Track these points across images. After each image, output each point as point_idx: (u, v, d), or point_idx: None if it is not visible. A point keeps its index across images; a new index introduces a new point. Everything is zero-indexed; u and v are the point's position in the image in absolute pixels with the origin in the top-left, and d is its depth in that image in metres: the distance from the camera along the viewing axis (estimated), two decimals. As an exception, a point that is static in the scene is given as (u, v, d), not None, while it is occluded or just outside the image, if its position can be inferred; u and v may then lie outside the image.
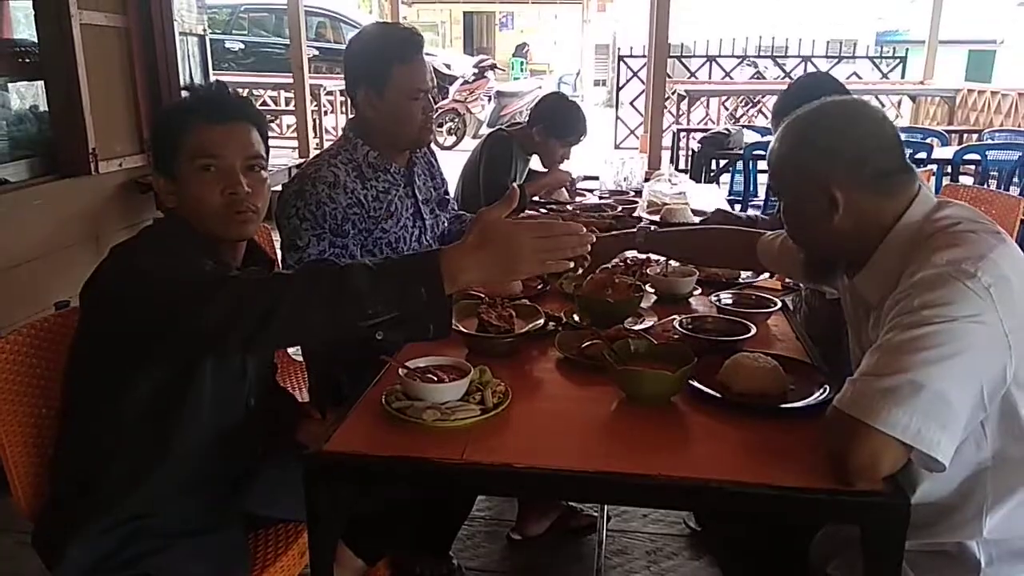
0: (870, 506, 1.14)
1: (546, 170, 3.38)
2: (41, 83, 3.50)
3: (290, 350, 2.52)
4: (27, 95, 3.61)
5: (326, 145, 8.37)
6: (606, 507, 2.53)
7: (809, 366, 1.58)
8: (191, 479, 1.47)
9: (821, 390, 1.44)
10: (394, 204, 2.11)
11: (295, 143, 7.14)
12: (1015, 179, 4.83)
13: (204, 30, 4.23)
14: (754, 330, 1.69)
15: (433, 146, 2.43)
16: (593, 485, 1.24)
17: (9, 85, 3.48)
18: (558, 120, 3.20)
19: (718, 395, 1.42)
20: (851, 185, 1.30)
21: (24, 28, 3.61)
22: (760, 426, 1.35)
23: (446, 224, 2.37)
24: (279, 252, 2.06)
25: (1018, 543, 1.23)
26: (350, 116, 2.21)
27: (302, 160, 5.35)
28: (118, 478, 1.41)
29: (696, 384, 1.43)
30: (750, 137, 5.30)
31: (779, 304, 1.89)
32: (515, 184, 2.00)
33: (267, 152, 1.51)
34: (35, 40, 3.45)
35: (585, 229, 1.25)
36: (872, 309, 1.34)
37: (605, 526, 2.48)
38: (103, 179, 3.56)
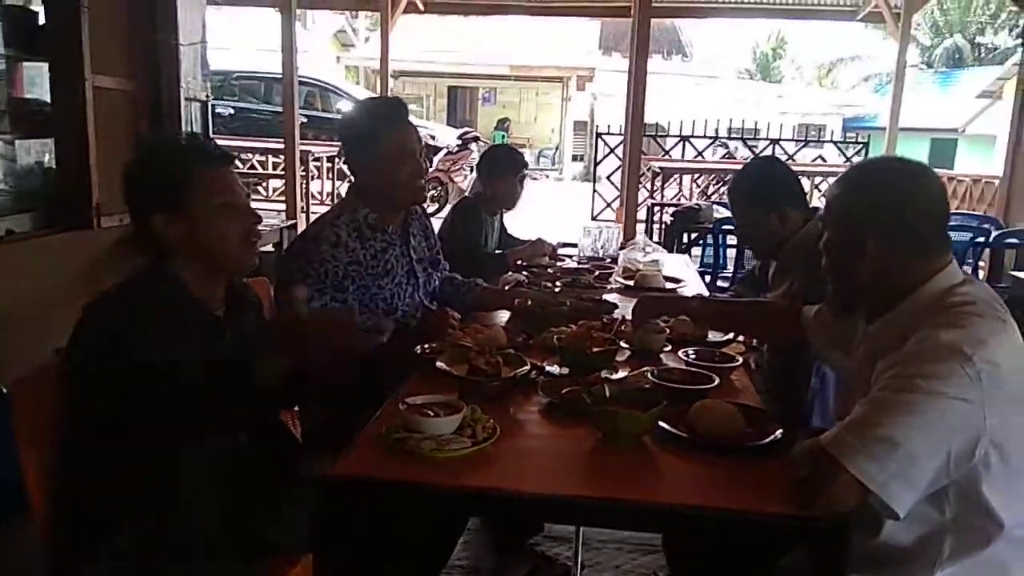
0: (813, 529, 1.30)
1: (526, 241, 3.68)
2: (46, 139, 3.68)
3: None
4: (32, 151, 3.78)
5: (312, 207, 8.66)
6: (580, 557, 2.65)
7: (763, 413, 1.75)
8: (192, 522, 1.58)
9: (774, 434, 1.61)
10: (390, 263, 2.29)
11: (282, 206, 7.33)
12: (968, 259, 5.13)
13: (207, 96, 4.45)
14: (717, 380, 1.87)
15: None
16: (570, 507, 1.40)
17: (17, 141, 3.66)
18: (496, 162, 3.60)
19: (684, 435, 1.58)
20: (884, 238, 1.43)
21: (36, 88, 3.80)
22: (719, 463, 1.51)
23: (437, 283, 2.55)
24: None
25: None
26: (351, 182, 2.40)
27: (291, 222, 5.53)
28: (117, 517, 1.53)
29: (664, 425, 1.60)
30: (720, 212, 5.57)
31: (740, 360, 2.07)
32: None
33: None
34: (45, 100, 3.64)
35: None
36: (879, 359, 1.42)
37: (580, 574, 2.60)
38: (104, 233, 3.71)
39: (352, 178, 2.37)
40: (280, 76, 6.76)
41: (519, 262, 3.44)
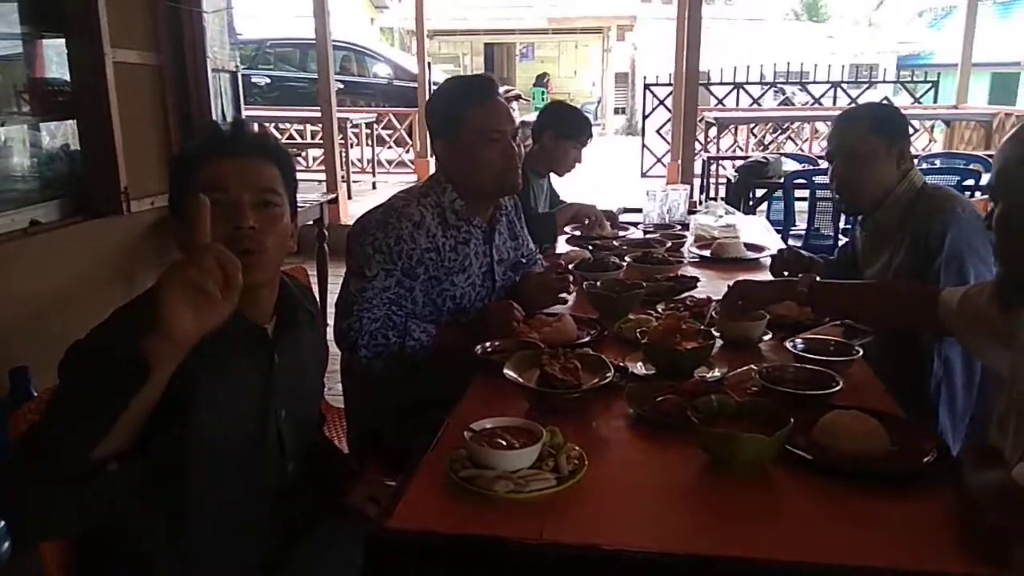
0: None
1: (567, 203, 3.39)
2: (71, 122, 3.46)
3: (328, 397, 2.39)
4: (57, 134, 3.56)
5: (353, 176, 8.41)
6: None
7: (906, 422, 1.44)
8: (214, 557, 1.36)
9: (928, 453, 1.30)
10: (469, 259, 2.03)
11: (322, 176, 7.09)
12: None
13: (236, 66, 4.19)
14: (841, 384, 1.55)
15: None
16: (697, 571, 1.10)
17: (40, 124, 3.45)
18: (565, 122, 3.28)
19: (812, 459, 1.28)
20: None
21: (56, 67, 3.58)
22: (866, 495, 1.21)
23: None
24: (345, 277, 1.99)
25: None
26: (437, 165, 2.16)
27: (332, 196, 5.26)
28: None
29: (793, 449, 1.30)
30: (789, 165, 5.16)
31: (859, 352, 1.74)
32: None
33: (292, 192, 1.39)
34: (66, 79, 3.42)
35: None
36: None
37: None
38: (135, 218, 3.50)
39: (439, 161, 2.11)
40: (315, 41, 6.48)
41: (567, 228, 3.14)
